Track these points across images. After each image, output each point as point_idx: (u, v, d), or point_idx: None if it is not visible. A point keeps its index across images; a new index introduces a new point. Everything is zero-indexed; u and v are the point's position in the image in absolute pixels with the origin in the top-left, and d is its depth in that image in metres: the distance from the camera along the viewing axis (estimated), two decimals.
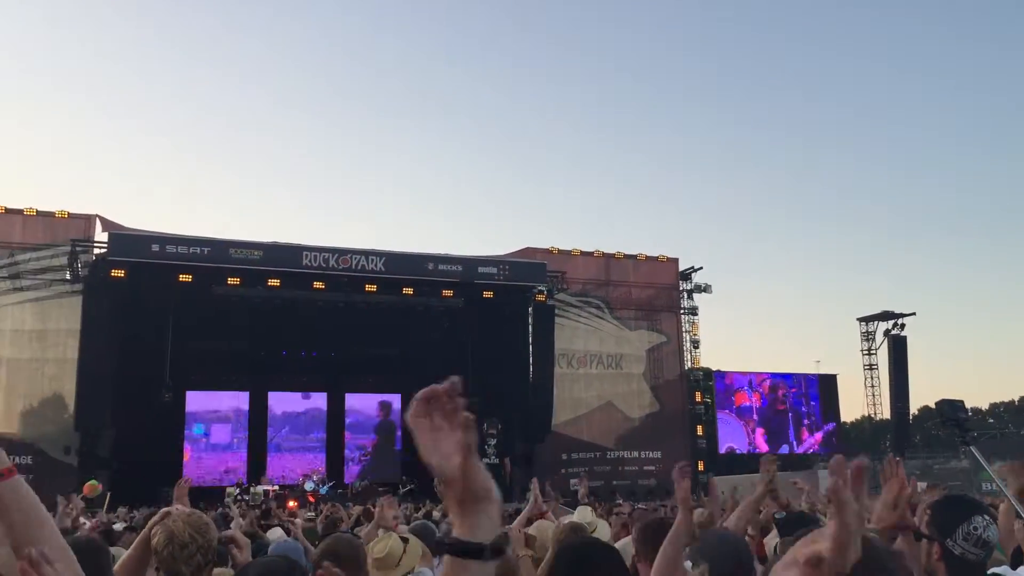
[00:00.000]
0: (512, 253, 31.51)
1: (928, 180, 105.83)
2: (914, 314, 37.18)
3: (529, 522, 6.74)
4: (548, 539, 4.97)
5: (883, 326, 37.46)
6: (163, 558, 3.14)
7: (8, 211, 27.08)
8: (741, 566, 2.81)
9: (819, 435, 36.89)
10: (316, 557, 3.37)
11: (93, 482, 15.27)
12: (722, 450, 34.91)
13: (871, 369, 38.17)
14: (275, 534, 6.95)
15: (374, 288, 27.15)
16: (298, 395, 33.82)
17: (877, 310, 37.87)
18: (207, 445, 32.19)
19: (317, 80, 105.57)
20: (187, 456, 31.41)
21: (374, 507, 12.64)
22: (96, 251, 26.50)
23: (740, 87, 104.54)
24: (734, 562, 2.71)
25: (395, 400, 34.41)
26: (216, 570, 3.12)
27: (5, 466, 1.89)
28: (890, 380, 36.92)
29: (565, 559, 2.32)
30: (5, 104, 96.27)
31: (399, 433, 34.24)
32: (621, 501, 18.69)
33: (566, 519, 5.84)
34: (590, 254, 33.81)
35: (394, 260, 27.68)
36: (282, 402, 33.48)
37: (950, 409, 4.50)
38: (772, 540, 4.90)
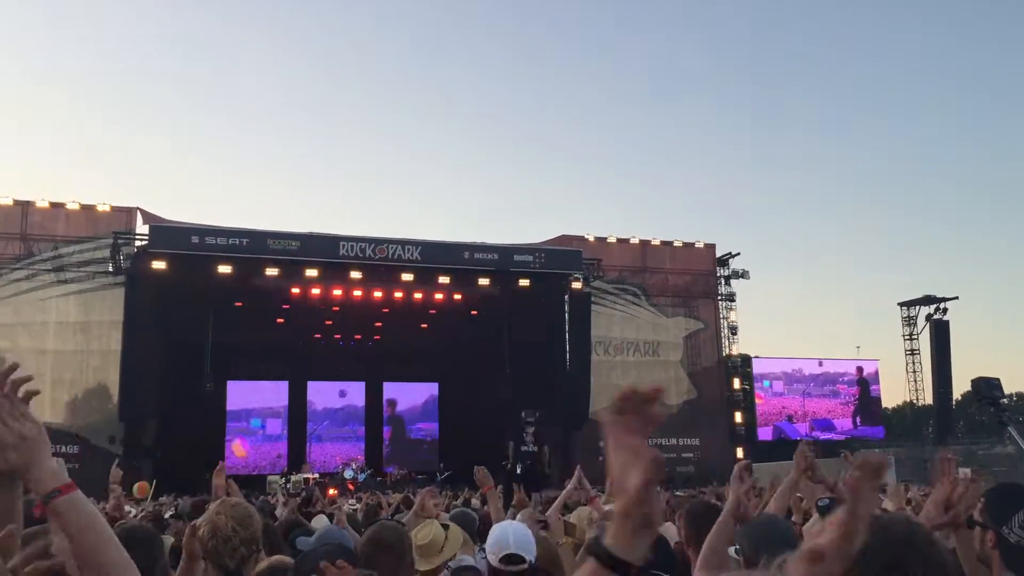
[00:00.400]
0: (548, 241, 31.46)
1: (970, 162, 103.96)
2: (957, 298, 36.58)
3: (567, 509, 6.77)
4: (584, 526, 4.99)
5: (925, 311, 36.91)
6: (208, 550, 3.22)
7: (52, 205, 27.57)
8: (790, 551, 2.80)
9: (860, 421, 36.49)
10: (362, 544, 3.41)
11: (144, 484, 15.62)
12: (761, 437, 34.69)
13: (913, 354, 37.65)
14: (320, 521, 7.04)
15: (411, 277, 27.24)
16: (335, 393, 34.16)
17: (919, 294, 37.32)
18: (264, 436, 32.81)
19: (351, 71, 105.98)
20: (245, 450, 31.96)
21: (413, 495, 12.76)
22: (137, 243, 26.84)
23: (775, 71, 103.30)
24: (782, 547, 2.70)
25: (407, 391, 34.80)
26: (273, 557, 3.18)
27: (63, 482, 1.90)
28: (932, 365, 36.37)
29: None
30: (47, 100, 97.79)
31: (418, 425, 34.69)
32: (658, 488, 18.68)
33: (605, 507, 5.85)
34: (626, 241, 33.64)
35: (430, 249, 27.73)
36: (321, 397, 33.86)
37: (986, 387, 4.44)
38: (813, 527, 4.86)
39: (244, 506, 3.24)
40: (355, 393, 34.54)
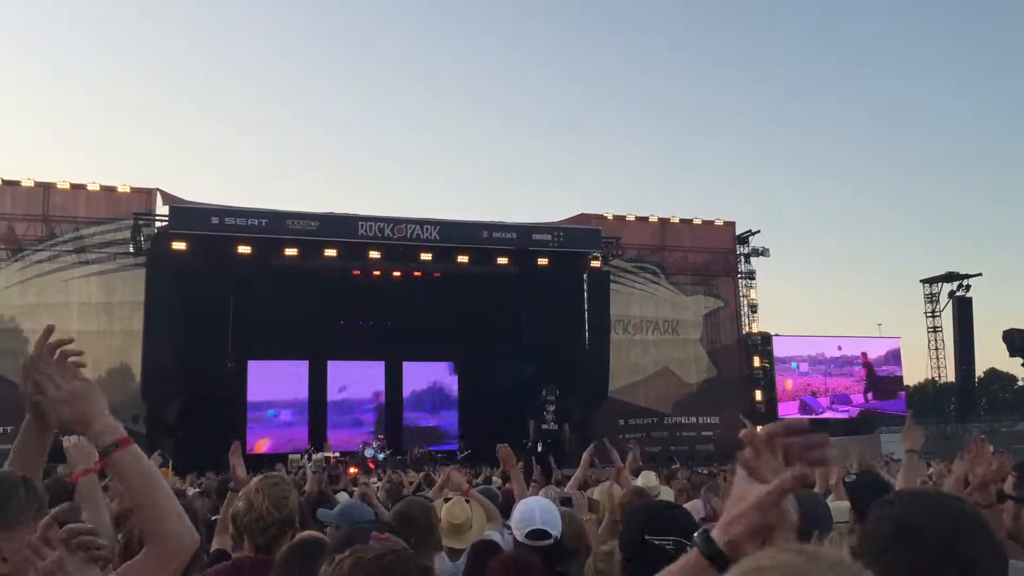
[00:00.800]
0: (566, 220, 31.36)
1: (994, 137, 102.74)
2: (980, 275, 36.25)
3: (586, 485, 6.79)
4: (613, 503, 4.99)
5: (947, 288, 36.61)
6: (242, 524, 3.28)
7: (73, 186, 27.72)
8: (819, 523, 2.81)
9: (871, 397, 36.39)
10: (391, 518, 3.43)
11: (166, 470, 15.79)
12: (782, 414, 34.65)
13: (935, 332, 37.41)
14: (341, 499, 7.10)
15: (429, 257, 27.23)
16: (353, 373, 34.24)
17: (941, 271, 37.02)
18: (284, 423, 33.03)
19: (368, 50, 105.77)
20: (266, 446, 32.11)
21: (435, 473, 12.82)
22: (158, 224, 26.97)
23: (795, 45, 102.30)
24: (811, 519, 2.71)
25: (425, 371, 34.89)
26: (304, 533, 3.21)
27: (123, 435, 2.05)
28: (955, 343, 36.12)
29: (638, 519, 2.32)
30: (67, 82, 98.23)
31: (412, 413, 34.83)
32: (678, 464, 18.66)
33: (635, 482, 5.86)
34: (645, 219, 33.51)
35: (449, 228, 27.69)
36: (339, 377, 33.98)
37: (1020, 338, 4.40)
38: (839, 504, 4.88)
39: (282, 487, 3.28)
40: (376, 372, 34.68)
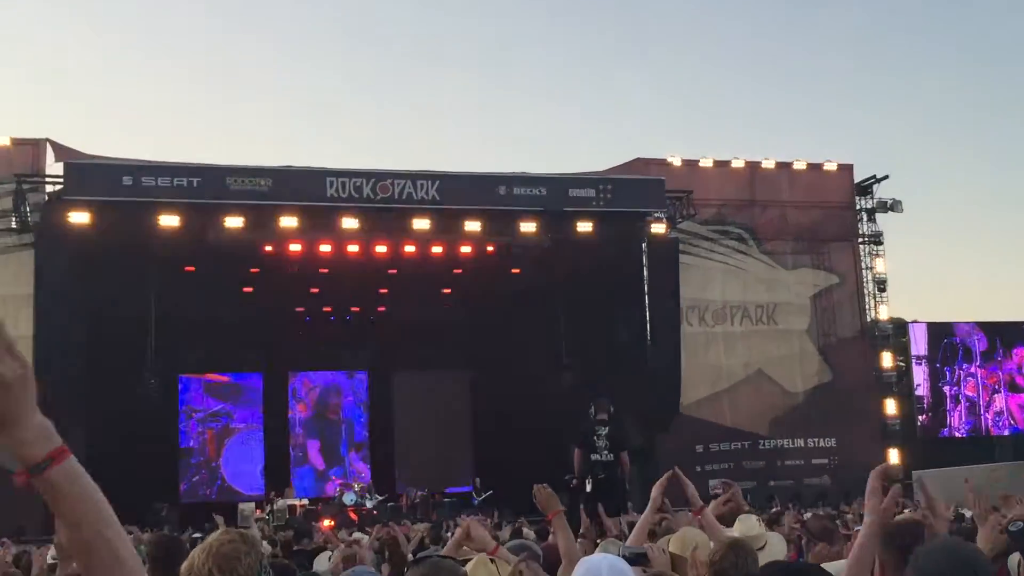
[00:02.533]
0: (617, 167, 31.26)
1: None
2: None
3: (652, 536, 6.85)
4: (699, 557, 5.00)
5: None
6: None
7: None
8: None
9: None
10: None
11: None
12: (929, 434, 34.54)
13: None
14: (321, 562, 7.12)
15: (426, 224, 27.19)
16: (322, 387, 34.50)
17: None
18: (224, 460, 33.32)
19: None
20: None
21: (447, 527, 12.91)
22: (48, 188, 27.08)
23: None
24: None
25: (426, 381, 35.02)
26: None
27: (59, 444, 1.94)
28: None
29: None
30: None
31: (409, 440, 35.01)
32: (778, 506, 18.70)
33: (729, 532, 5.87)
34: (726, 164, 33.36)
35: (452, 184, 27.50)
36: (306, 405, 34.28)
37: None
38: (1014, 558, 4.91)
39: (236, 545, 3.31)
40: (356, 387, 34.94)
